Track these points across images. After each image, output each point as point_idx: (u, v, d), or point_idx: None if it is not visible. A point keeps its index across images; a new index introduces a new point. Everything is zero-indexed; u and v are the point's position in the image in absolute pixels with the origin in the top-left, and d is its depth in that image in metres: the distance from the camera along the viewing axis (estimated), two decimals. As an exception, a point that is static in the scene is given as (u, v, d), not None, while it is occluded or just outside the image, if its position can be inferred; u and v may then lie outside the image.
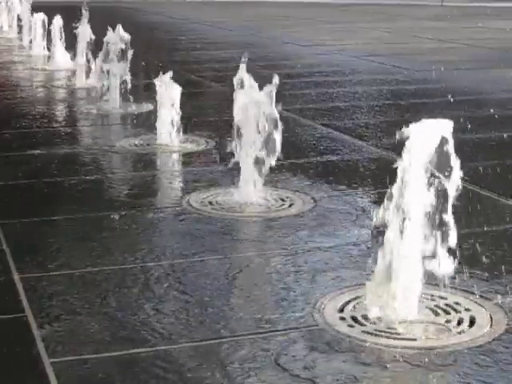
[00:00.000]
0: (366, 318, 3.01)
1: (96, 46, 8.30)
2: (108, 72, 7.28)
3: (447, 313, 3.04)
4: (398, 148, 2.91)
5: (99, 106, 7.29)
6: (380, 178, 4.87)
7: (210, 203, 4.42)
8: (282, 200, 4.43)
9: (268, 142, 4.26)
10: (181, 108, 5.68)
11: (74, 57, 9.18)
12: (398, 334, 2.89)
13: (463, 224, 3.16)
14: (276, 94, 4.21)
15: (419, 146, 2.82)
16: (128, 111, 7.09)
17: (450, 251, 2.90)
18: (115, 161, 5.56)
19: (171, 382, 2.60)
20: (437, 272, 2.91)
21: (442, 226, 2.88)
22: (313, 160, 5.42)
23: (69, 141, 6.06)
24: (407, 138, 2.83)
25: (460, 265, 2.95)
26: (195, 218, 4.20)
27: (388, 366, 2.68)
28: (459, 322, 2.97)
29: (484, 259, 3.52)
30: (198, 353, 2.78)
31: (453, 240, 2.86)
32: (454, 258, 2.89)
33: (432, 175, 2.84)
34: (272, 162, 4.28)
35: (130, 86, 7.18)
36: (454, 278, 3.03)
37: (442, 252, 2.88)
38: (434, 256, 2.90)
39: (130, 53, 7.15)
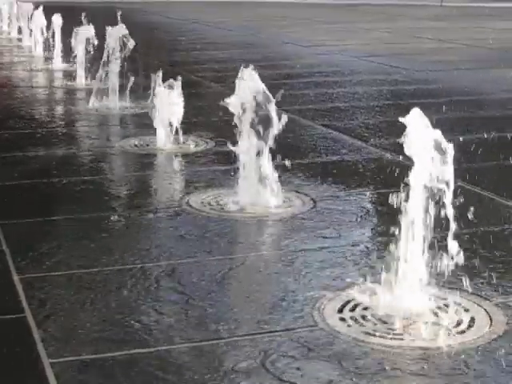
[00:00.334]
0: (365, 318, 3.01)
1: (96, 47, 8.30)
2: (108, 72, 7.28)
3: (447, 313, 3.03)
4: (398, 148, 2.91)
5: (99, 106, 7.29)
6: (380, 178, 4.88)
7: (210, 204, 4.42)
8: (282, 200, 4.43)
9: (268, 143, 4.26)
10: (180, 108, 5.69)
11: (73, 57, 9.18)
12: (398, 334, 2.89)
13: (463, 224, 3.16)
14: (276, 94, 4.21)
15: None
16: (127, 112, 7.09)
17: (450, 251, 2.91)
18: (115, 161, 5.56)
19: (170, 383, 2.60)
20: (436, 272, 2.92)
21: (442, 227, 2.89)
22: (312, 160, 5.42)
23: (68, 141, 6.06)
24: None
25: (460, 265, 2.95)
26: (194, 219, 4.20)
27: (387, 366, 2.68)
28: (459, 323, 2.97)
29: (484, 259, 3.52)
30: (197, 353, 2.78)
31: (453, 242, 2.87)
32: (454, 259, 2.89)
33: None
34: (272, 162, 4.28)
35: (129, 86, 7.18)
36: (453, 278, 3.04)
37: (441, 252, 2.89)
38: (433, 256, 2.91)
39: (129, 53, 7.16)
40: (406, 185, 2.94)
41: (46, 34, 11.02)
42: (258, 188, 4.37)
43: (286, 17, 17.71)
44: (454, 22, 16.37)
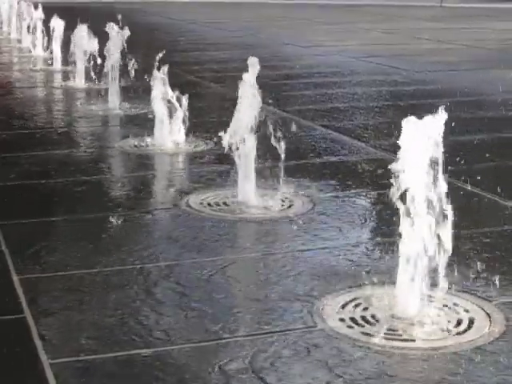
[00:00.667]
0: (364, 319, 3.01)
1: (95, 47, 8.29)
2: (107, 73, 7.28)
3: (446, 314, 3.04)
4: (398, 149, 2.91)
5: (98, 106, 7.29)
6: (379, 178, 4.87)
7: (209, 204, 4.42)
8: (282, 201, 4.43)
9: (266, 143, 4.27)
10: (180, 109, 5.68)
11: (73, 57, 9.17)
12: (397, 335, 2.89)
13: (462, 225, 3.16)
14: (276, 94, 4.21)
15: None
16: (127, 112, 7.09)
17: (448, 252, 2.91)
18: (114, 161, 5.56)
19: (170, 383, 2.60)
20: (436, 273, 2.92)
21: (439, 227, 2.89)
22: (312, 161, 5.42)
23: (68, 141, 6.06)
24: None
25: (459, 266, 2.95)
26: (194, 219, 4.20)
27: (386, 367, 2.68)
28: (458, 323, 2.97)
29: (483, 260, 3.52)
30: (196, 354, 2.78)
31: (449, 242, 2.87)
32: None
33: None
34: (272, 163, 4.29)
35: (129, 86, 7.18)
36: (453, 279, 3.03)
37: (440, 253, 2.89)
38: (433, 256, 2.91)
39: (129, 53, 7.15)
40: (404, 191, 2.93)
41: (45, 35, 11.02)
42: (258, 189, 4.37)
43: (289, 17, 17.71)
44: (453, 22, 16.37)
